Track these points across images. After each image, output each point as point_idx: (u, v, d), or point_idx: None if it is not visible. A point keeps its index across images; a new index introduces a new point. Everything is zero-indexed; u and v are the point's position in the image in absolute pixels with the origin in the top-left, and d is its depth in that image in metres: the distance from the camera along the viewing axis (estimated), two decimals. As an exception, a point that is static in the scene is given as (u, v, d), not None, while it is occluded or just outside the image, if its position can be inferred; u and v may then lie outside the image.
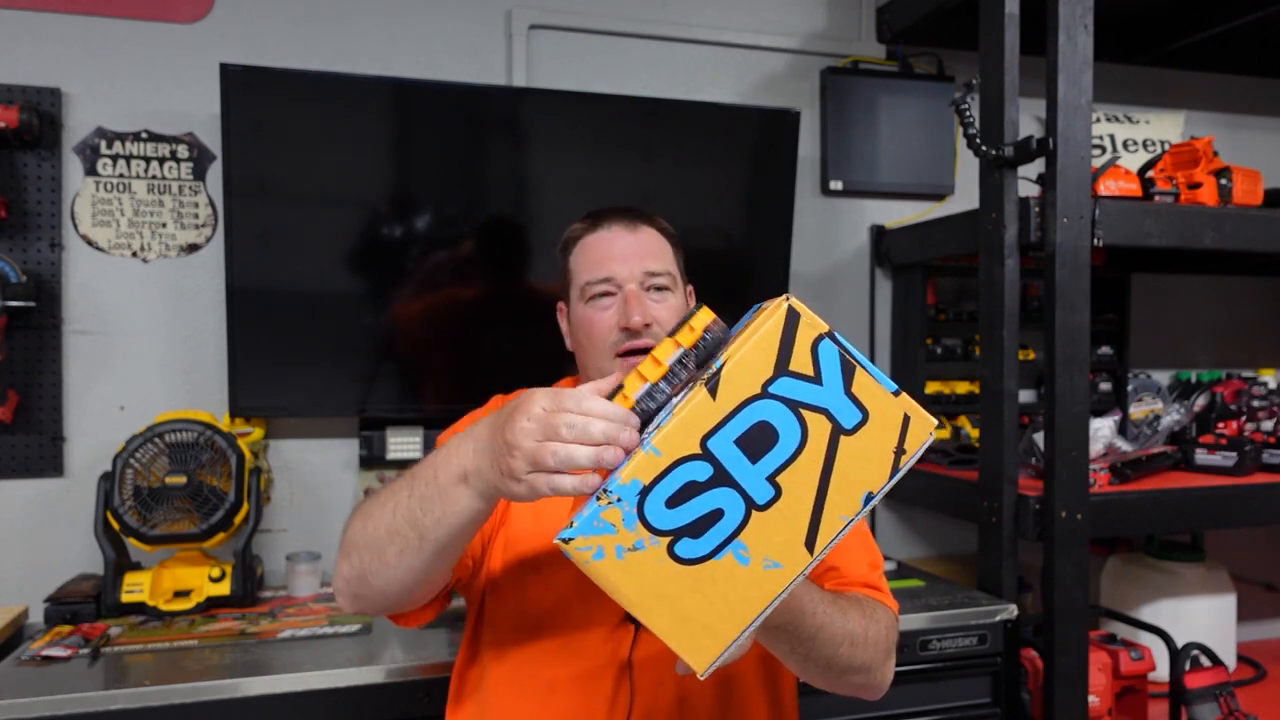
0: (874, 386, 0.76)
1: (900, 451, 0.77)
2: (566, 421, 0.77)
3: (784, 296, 0.77)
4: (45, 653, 1.51)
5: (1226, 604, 2.17)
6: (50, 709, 1.33)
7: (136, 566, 1.81)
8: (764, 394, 0.74)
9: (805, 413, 0.75)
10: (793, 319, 0.75)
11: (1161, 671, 1.90)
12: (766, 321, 0.75)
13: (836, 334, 0.76)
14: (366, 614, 1.06)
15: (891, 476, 0.77)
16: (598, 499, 0.74)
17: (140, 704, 1.37)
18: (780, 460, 0.75)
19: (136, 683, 1.39)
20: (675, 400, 0.78)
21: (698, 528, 0.75)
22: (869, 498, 0.77)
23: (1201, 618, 2.11)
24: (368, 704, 1.46)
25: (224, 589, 1.76)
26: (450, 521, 0.90)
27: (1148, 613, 2.10)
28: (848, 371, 0.75)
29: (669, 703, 1.10)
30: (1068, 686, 1.74)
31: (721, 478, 0.74)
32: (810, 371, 0.75)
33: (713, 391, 0.74)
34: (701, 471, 0.74)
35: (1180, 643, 1.85)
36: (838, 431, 0.75)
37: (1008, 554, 1.82)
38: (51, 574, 1.85)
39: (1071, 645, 1.74)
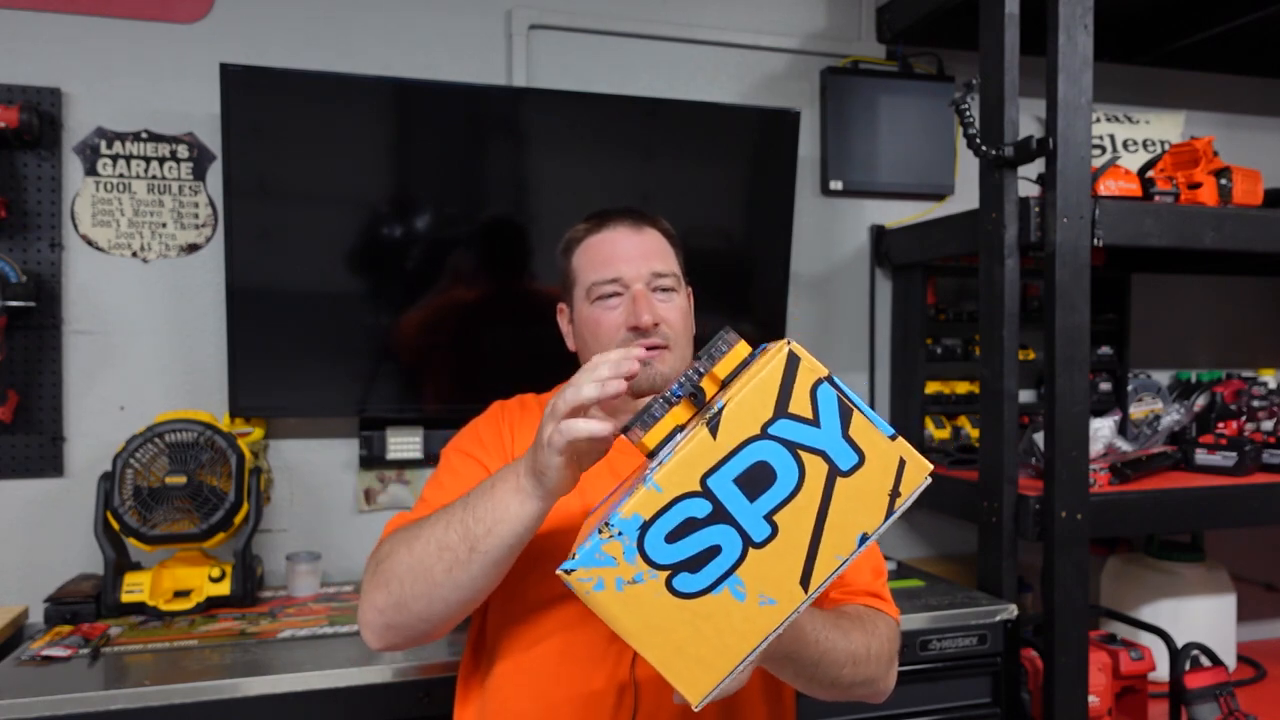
0: (871, 430, 0.78)
1: (895, 494, 0.79)
2: (579, 378, 0.88)
3: (785, 341, 0.79)
4: (45, 653, 1.51)
5: (1226, 604, 2.17)
6: (50, 709, 1.33)
7: (136, 566, 1.81)
8: (763, 435, 0.77)
9: (803, 454, 0.77)
10: (793, 363, 0.77)
11: (1161, 671, 1.91)
12: (768, 365, 0.77)
13: (835, 378, 0.78)
14: (395, 647, 1.07)
15: (886, 518, 0.79)
16: (599, 532, 0.76)
17: (140, 704, 1.37)
18: (778, 500, 0.77)
19: (136, 683, 1.39)
20: (677, 439, 0.80)
21: (696, 563, 0.76)
22: (864, 538, 0.78)
23: (1201, 618, 2.11)
24: (368, 704, 1.46)
25: (224, 589, 1.76)
26: (501, 531, 0.94)
27: (1148, 613, 2.10)
28: (845, 415, 0.78)
29: (672, 712, 1.10)
30: (1068, 686, 1.74)
31: (720, 515, 0.76)
32: (809, 414, 0.77)
33: (713, 431, 0.76)
34: (701, 508, 0.76)
35: (1180, 643, 1.86)
36: (834, 473, 0.77)
37: (1008, 554, 1.82)
38: (51, 574, 1.86)
39: (1071, 645, 1.74)
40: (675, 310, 1.19)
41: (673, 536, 0.76)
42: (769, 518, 0.77)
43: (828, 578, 0.78)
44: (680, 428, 0.83)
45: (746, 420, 0.77)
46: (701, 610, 0.77)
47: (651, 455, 0.84)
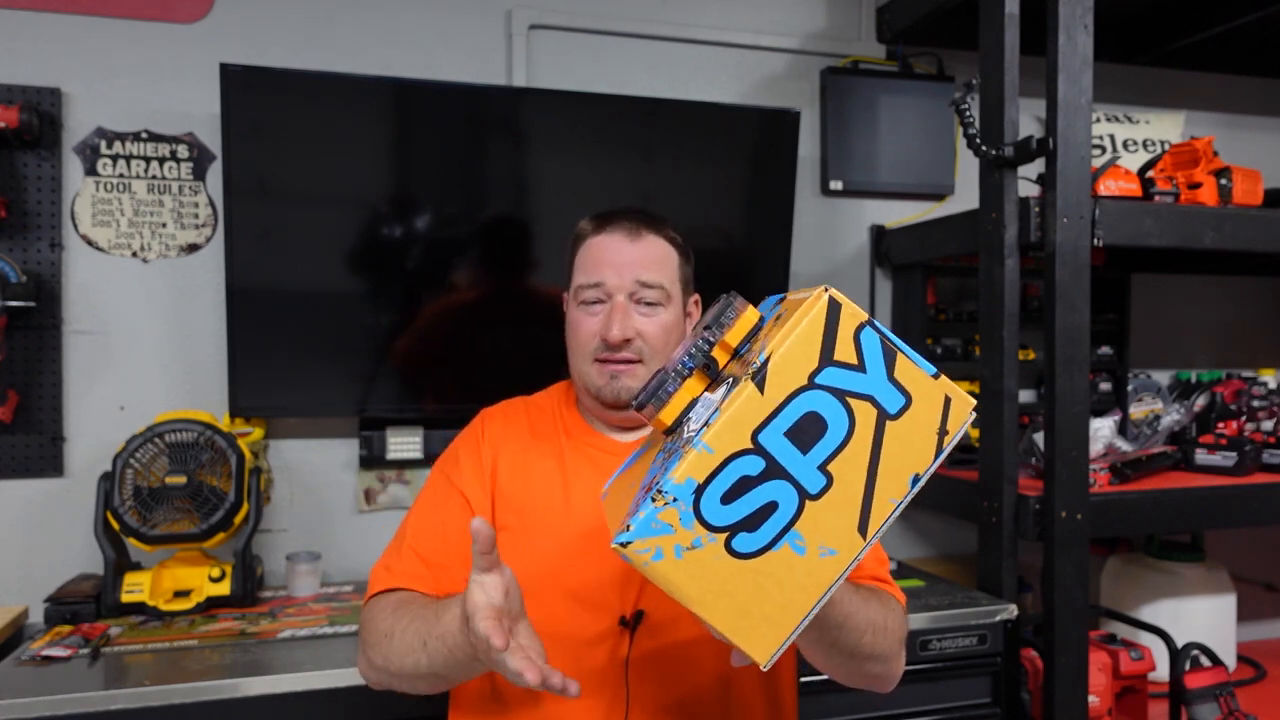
0: (915, 371, 0.78)
1: (944, 432, 0.78)
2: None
3: (822, 287, 0.77)
4: (45, 653, 1.51)
5: (1226, 604, 2.17)
6: (50, 709, 1.33)
7: (136, 566, 1.81)
8: (811, 385, 0.75)
9: (851, 401, 0.76)
10: (834, 309, 0.76)
11: (1161, 671, 1.91)
12: (808, 313, 0.76)
13: (875, 321, 0.77)
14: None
15: (936, 457, 0.78)
16: (653, 499, 0.74)
17: (140, 704, 1.37)
18: (830, 449, 0.76)
19: (136, 683, 1.39)
20: (718, 397, 0.78)
21: (753, 521, 0.75)
22: (916, 479, 0.78)
23: (1201, 618, 2.11)
24: (368, 704, 1.46)
25: (224, 589, 1.76)
26: (480, 673, 1.02)
27: (1148, 613, 2.10)
28: (889, 358, 0.77)
29: (669, 704, 1.10)
30: (1068, 686, 1.74)
31: (774, 470, 0.75)
32: (854, 360, 0.76)
33: (760, 386, 0.75)
34: (754, 466, 0.75)
35: (1180, 643, 1.86)
36: (883, 417, 0.77)
37: (1008, 554, 1.82)
38: (51, 574, 1.86)
39: (1071, 645, 1.74)
40: (655, 325, 1.18)
41: (728, 497, 0.74)
42: (823, 468, 0.76)
43: (885, 522, 0.77)
44: (695, 400, 0.81)
45: (793, 371, 0.75)
46: (763, 569, 0.75)
47: (669, 431, 0.83)
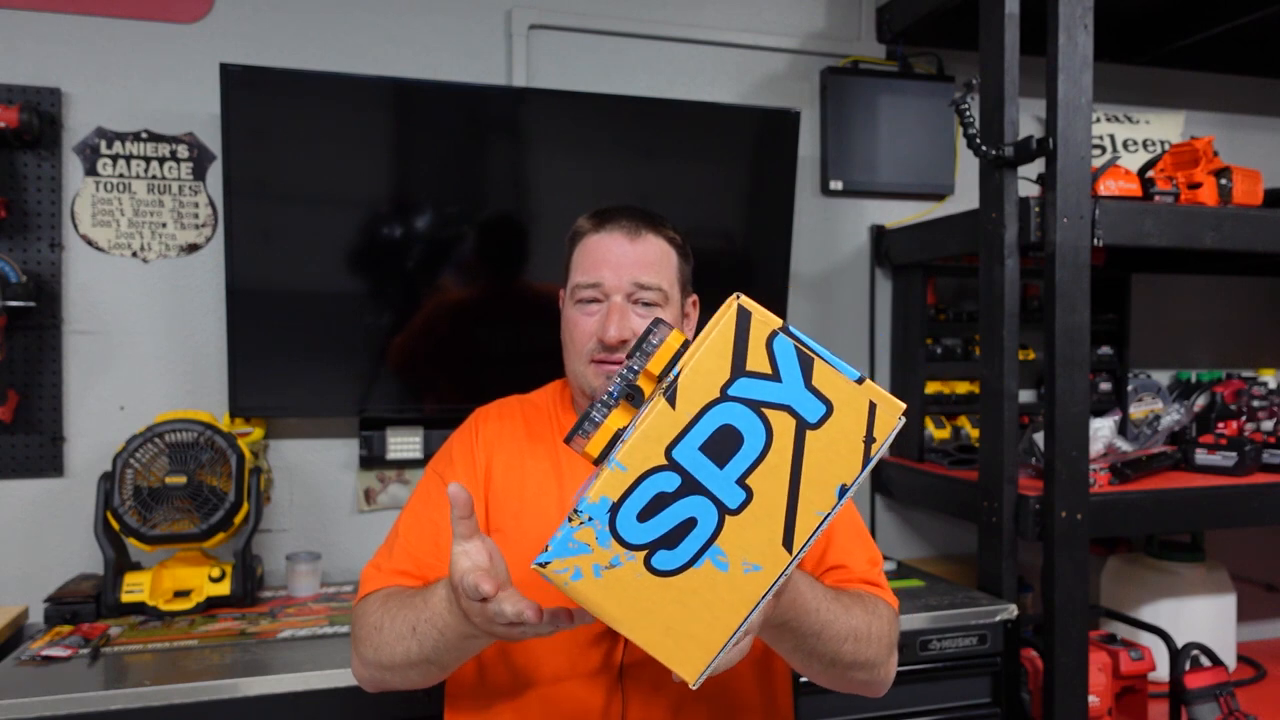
0: (835, 377, 0.75)
1: (870, 440, 0.76)
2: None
3: (734, 296, 0.76)
4: (45, 653, 1.51)
5: (1226, 604, 2.17)
6: (50, 709, 1.33)
7: (136, 566, 1.81)
8: (723, 397, 0.74)
9: (768, 411, 0.74)
10: (744, 318, 0.74)
11: (1161, 671, 1.91)
12: (718, 324, 0.74)
13: (791, 328, 0.75)
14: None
15: (864, 466, 0.76)
16: (569, 520, 0.74)
17: (140, 704, 1.37)
18: (748, 462, 0.74)
19: (136, 683, 1.39)
20: (638, 415, 0.77)
21: (672, 538, 0.74)
22: (843, 490, 0.76)
23: (1201, 618, 2.11)
24: (368, 704, 1.46)
25: (224, 589, 1.76)
26: (470, 654, 1.02)
27: (1148, 613, 2.10)
28: (806, 365, 0.75)
29: (664, 707, 1.10)
30: (1068, 686, 1.74)
31: (690, 486, 0.74)
32: (768, 369, 0.74)
33: (671, 400, 0.74)
34: (670, 482, 0.74)
35: (1180, 643, 1.86)
36: (803, 427, 0.75)
37: (1008, 554, 1.82)
38: (51, 574, 1.86)
39: (1071, 645, 1.74)
40: None
41: (645, 514, 0.74)
42: (741, 482, 0.74)
43: (811, 535, 0.76)
44: (623, 431, 0.80)
45: (704, 384, 0.74)
46: (686, 586, 0.74)
47: (598, 462, 0.82)
